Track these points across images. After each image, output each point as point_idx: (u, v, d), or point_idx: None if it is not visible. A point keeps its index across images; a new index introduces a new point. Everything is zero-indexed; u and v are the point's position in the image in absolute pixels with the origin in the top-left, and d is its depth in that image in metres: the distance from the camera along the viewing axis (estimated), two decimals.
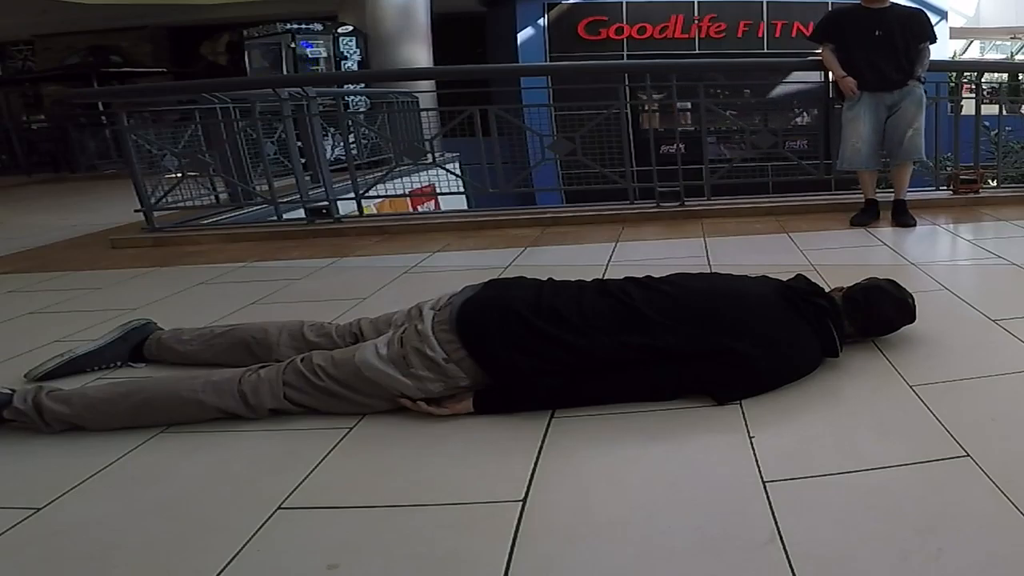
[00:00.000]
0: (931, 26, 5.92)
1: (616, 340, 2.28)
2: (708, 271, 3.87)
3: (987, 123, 7.93)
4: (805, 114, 14.53)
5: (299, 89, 7.42)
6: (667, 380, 2.31)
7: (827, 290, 2.72)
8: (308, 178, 6.96)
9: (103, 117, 11.74)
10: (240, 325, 2.93)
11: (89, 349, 2.77)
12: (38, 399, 2.24)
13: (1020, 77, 17.06)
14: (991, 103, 8.37)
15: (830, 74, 5.90)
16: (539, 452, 2.12)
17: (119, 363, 2.85)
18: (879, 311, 2.70)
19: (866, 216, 5.72)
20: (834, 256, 4.65)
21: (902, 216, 5.68)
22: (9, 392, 2.30)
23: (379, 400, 2.31)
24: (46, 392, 2.29)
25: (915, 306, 2.76)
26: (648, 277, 2.61)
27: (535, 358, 2.26)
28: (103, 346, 2.80)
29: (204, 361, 2.75)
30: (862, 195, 5.93)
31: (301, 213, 6.59)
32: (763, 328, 2.40)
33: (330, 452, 2.18)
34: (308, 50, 11.70)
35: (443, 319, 2.33)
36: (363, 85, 11.04)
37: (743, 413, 2.31)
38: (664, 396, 2.30)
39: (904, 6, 5.72)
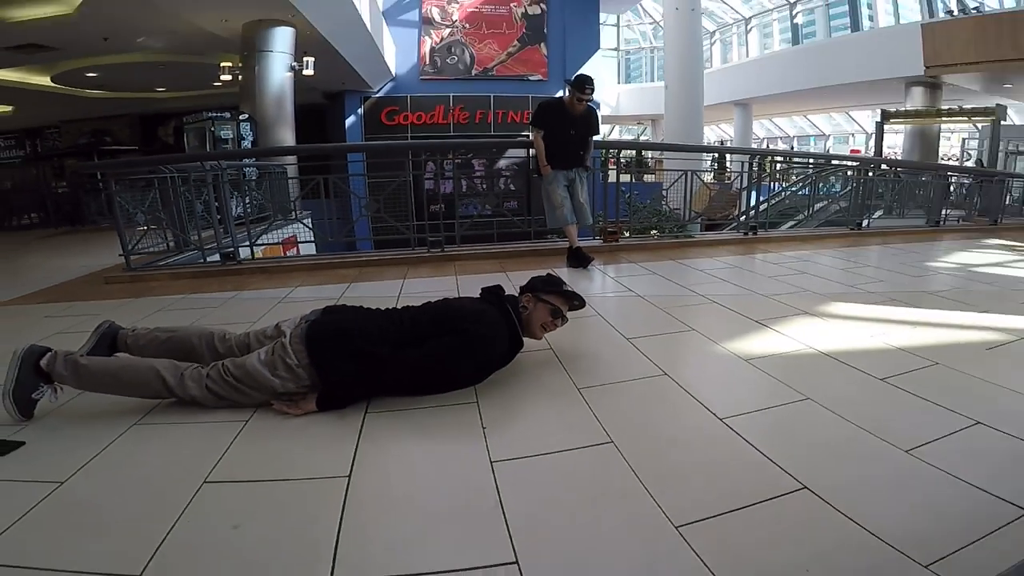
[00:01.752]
0: (598, 123, 7.23)
1: (398, 348, 3.09)
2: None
3: (624, 188, 9.23)
4: (513, 182, 17.84)
5: (216, 162, 8.57)
6: (419, 358, 3.08)
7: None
8: (223, 229, 7.71)
9: (100, 183, 12.73)
10: (176, 334, 3.44)
11: (87, 351, 3.29)
12: (72, 357, 3.00)
13: (643, 153, 19.83)
14: (625, 173, 9.78)
15: (531, 151, 7.00)
16: (358, 441, 2.71)
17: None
18: (531, 281, 3.76)
19: (583, 259, 6.85)
20: None
21: (580, 259, 6.82)
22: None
23: (260, 392, 3.01)
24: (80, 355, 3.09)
25: (559, 279, 3.79)
26: (412, 307, 3.55)
27: (354, 364, 3.02)
28: (92, 348, 3.33)
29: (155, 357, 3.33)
30: (567, 243, 7.09)
31: (217, 256, 7.63)
32: (467, 314, 3.30)
33: (234, 440, 2.75)
34: (221, 133, 13.77)
35: (296, 335, 3.07)
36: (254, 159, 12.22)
37: (479, 412, 2.99)
38: (421, 366, 3.08)
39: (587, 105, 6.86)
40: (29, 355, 2.94)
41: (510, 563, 1.92)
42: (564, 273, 6.44)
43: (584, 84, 6.58)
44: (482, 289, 3.70)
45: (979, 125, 20.87)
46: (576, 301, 3.74)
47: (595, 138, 7.12)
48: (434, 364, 3.10)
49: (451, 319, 3.28)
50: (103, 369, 3.05)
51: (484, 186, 15.55)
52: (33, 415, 2.94)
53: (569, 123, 6.74)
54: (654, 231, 11.09)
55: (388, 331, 3.21)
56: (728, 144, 36.56)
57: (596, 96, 6.64)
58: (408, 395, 3.16)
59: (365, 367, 3.04)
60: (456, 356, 3.15)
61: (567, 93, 6.72)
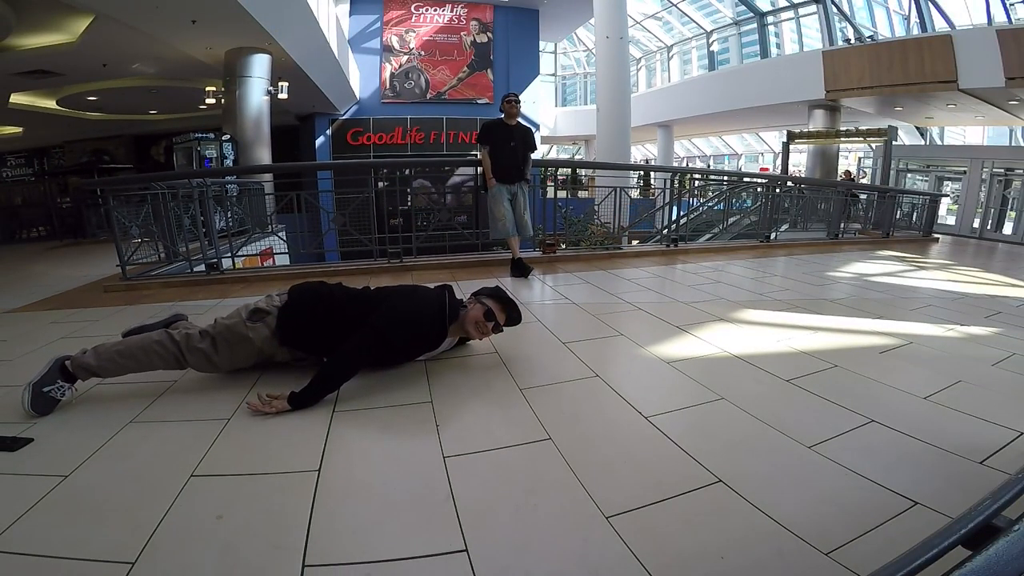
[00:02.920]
0: (535, 140, 7.28)
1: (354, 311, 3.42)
2: None
3: (560, 203, 9.23)
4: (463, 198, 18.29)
5: (201, 179, 8.74)
6: (362, 332, 3.24)
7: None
8: (208, 241, 7.66)
9: (99, 199, 12.39)
10: None
11: (149, 323, 3.78)
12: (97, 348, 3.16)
13: (578, 171, 19.91)
14: (562, 189, 9.79)
15: (479, 169, 7.02)
16: (326, 439, 2.69)
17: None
18: (480, 289, 3.87)
19: (524, 269, 6.91)
20: None
21: (522, 269, 6.88)
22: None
23: (235, 318, 3.34)
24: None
25: (503, 292, 3.85)
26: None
27: (322, 303, 3.44)
28: (157, 322, 3.78)
29: None
30: (510, 254, 7.13)
31: (203, 267, 7.59)
32: (404, 291, 3.69)
33: (217, 437, 2.73)
34: (206, 152, 13.78)
35: (284, 290, 3.56)
36: (236, 176, 12.18)
37: (433, 411, 2.99)
38: (364, 335, 3.22)
39: (522, 124, 7.03)
40: (59, 359, 3.11)
41: (460, 551, 1.93)
42: (507, 282, 6.53)
43: (508, 93, 7.12)
44: (436, 285, 3.83)
45: (873, 145, 21.20)
46: (513, 313, 3.79)
47: (535, 156, 7.27)
48: (373, 327, 3.27)
49: (393, 295, 3.62)
50: (116, 342, 3.22)
51: (443, 199, 15.92)
52: (48, 413, 2.99)
53: (509, 136, 6.90)
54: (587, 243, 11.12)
55: (351, 295, 3.63)
56: (652, 163, 37.01)
57: (536, 117, 6.86)
58: (360, 361, 3.23)
59: (325, 310, 3.43)
60: (391, 318, 3.36)
61: (501, 112, 7.00)
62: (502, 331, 3.77)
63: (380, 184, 8.68)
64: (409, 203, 9.06)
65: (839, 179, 20.32)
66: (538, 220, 8.63)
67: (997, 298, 6.44)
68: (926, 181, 22.05)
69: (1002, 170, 19.48)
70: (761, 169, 35.12)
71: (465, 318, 3.66)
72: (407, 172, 9.46)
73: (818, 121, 20.62)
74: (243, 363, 3.39)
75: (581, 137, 36.78)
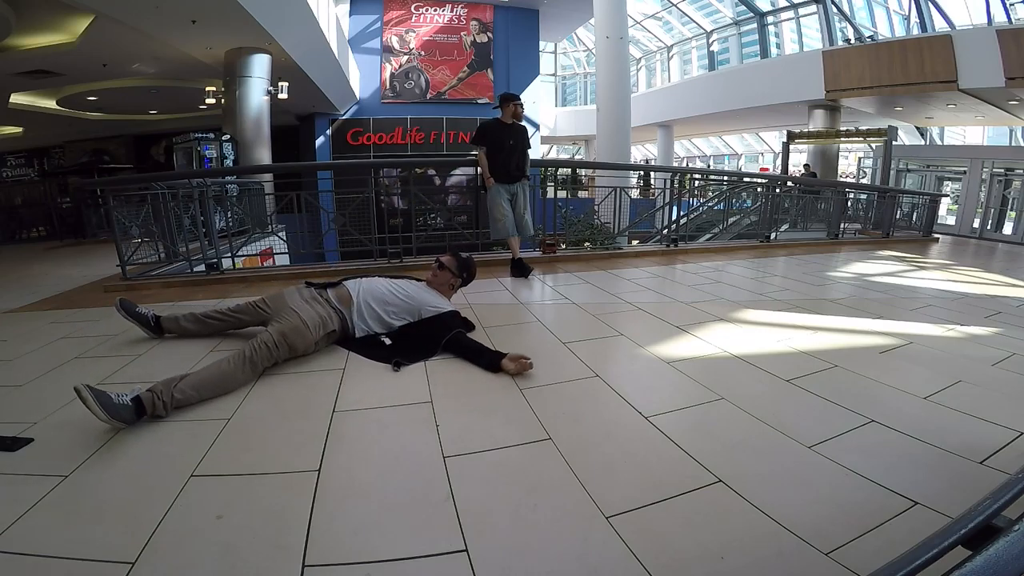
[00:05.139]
0: (529, 138, 7.20)
1: None
2: None
3: (560, 203, 9.21)
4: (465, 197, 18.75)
5: (201, 179, 8.83)
6: None
7: None
8: (208, 241, 7.64)
9: (99, 199, 12.89)
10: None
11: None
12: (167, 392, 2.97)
13: (578, 171, 19.93)
14: (562, 189, 9.70)
15: (478, 169, 6.98)
16: (326, 438, 2.69)
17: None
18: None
19: (524, 269, 6.88)
20: (478, 297, 5.47)
21: (522, 269, 6.84)
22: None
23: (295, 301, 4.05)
24: (174, 386, 3.00)
25: (458, 254, 4.62)
26: None
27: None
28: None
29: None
30: (510, 254, 7.08)
31: (203, 267, 7.54)
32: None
33: (217, 437, 2.72)
34: (206, 152, 13.61)
35: None
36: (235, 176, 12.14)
37: (434, 411, 2.98)
38: None
39: (518, 123, 6.94)
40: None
41: (460, 551, 1.93)
42: (507, 282, 6.52)
43: (511, 95, 6.98)
44: None
45: (873, 145, 21.19)
46: (455, 253, 4.61)
47: (535, 156, 7.22)
48: None
49: None
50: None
51: (444, 199, 15.98)
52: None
53: (506, 136, 6.85)
54: (587, 243, 11.13)
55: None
56: (652, 163, 36.99)
57: (537, 117, 6.77)
58: None
59: None
60: None
61: (501, 112, 6.90)
62: (444, 267, 4.49)
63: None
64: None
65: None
66: (538, 220, 8.61)
67: (997, 298, 6.45)
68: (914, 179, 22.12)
69: (1002, 170, 19.47)
70: (761, 169, 35.08)
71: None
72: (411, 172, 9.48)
73: (818, 121, 20.63)
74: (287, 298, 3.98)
75: (581, 137, 36.76)
